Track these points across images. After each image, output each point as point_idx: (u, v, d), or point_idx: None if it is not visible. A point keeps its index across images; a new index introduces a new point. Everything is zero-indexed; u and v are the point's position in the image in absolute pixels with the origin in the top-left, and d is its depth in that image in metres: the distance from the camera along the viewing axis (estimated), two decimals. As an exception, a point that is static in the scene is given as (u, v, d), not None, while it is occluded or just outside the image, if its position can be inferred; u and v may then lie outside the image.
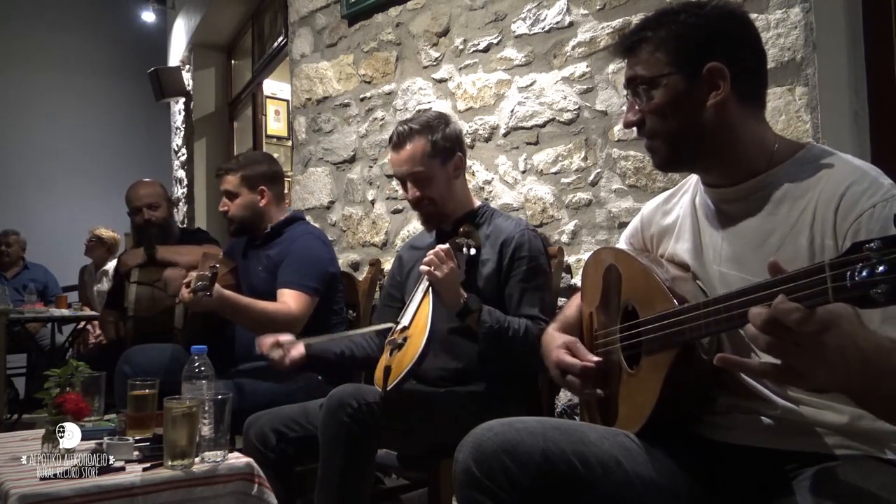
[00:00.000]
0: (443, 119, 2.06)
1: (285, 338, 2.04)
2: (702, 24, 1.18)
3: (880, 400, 0.90)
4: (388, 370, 1.79)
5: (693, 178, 1.35)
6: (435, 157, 1.99)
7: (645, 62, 1.19)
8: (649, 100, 1.19)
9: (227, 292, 2.25)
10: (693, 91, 1.16)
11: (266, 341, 2.04)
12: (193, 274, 2.20)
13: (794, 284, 0.83)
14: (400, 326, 1.91)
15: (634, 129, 1.25)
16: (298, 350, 2.01)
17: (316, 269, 2.42)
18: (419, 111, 2.18)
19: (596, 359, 1.31)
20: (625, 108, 1.25)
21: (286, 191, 2.84)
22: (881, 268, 0.73)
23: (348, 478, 1.72)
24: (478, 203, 2.14)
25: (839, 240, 1.06)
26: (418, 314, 1.86)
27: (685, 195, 1.35)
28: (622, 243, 1.49)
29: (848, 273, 0.76)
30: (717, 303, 0.99)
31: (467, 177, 2.69)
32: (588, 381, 1.31)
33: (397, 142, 2.02)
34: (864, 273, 0.74)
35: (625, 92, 1.26)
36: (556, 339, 1.40)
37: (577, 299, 1.54)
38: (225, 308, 2.25)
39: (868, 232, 1.02)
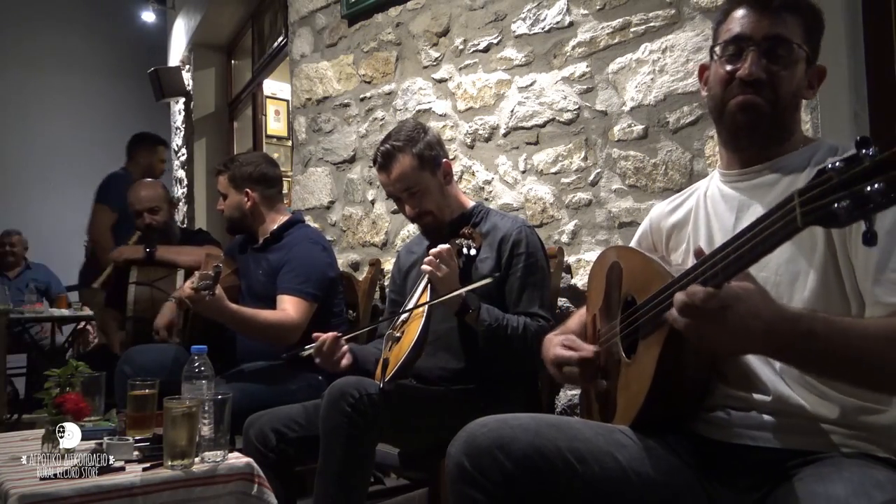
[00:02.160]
0: (420, 128, 2.06)
1: (335, 334, 1.94)
2: (822, 23, 1.27)
3: (795, 358, 1.04)
4: (385, 363, 1.80)
5: (702, 182, 1.38)
6: (423, 169, 2.01)
7: (792, 29, 1.21)
8: (781, 62, 1.21)
9: (232, 305, 2.25)
10: (804, 77, 1.24)
11: (327, 343, 1.90)
12: (197, 273, 2.21)
13: (769, 220, 0.87)
14: (400, 321, 1.92)
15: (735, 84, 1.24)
16: (348, 359, 1.94)
17: (315, 275, 2.42)
18: (400, 122, 2.17)
19: (593, 348, 1.32)
20: (747, 61, 1.21)
21: (284, 192, 2.83)
22: (842, 186, 0.76)
23: (348, 467, 1.72)
24: (472, 203, 2.14)
25: None
26: (415, 310, 1.87)
27: (695, 194, 1.38)
28: (632, 245, 1.50)
29: (813, 195, 0.79)
30: (704, 262, 1.00)
31: (467, 177, 2.70)
32: (587, 371, 1.32)
33: (383, 163, 2.03)
34: (828, 192, 0.77)
35: (745, 44, 1.23)
36: (554, 340, 1.41)
37: (582, 310, 1.56)
38: (226, 318, 2.26)
39: None
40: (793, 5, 1.22)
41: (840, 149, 1.19)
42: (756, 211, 1.21)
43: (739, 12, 1.25)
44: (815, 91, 1.28)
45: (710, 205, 1.31)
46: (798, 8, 1.23)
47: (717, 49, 1.27)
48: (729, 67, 1.23)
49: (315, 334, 1.94)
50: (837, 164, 0.77)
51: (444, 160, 2.06)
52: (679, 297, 0.99)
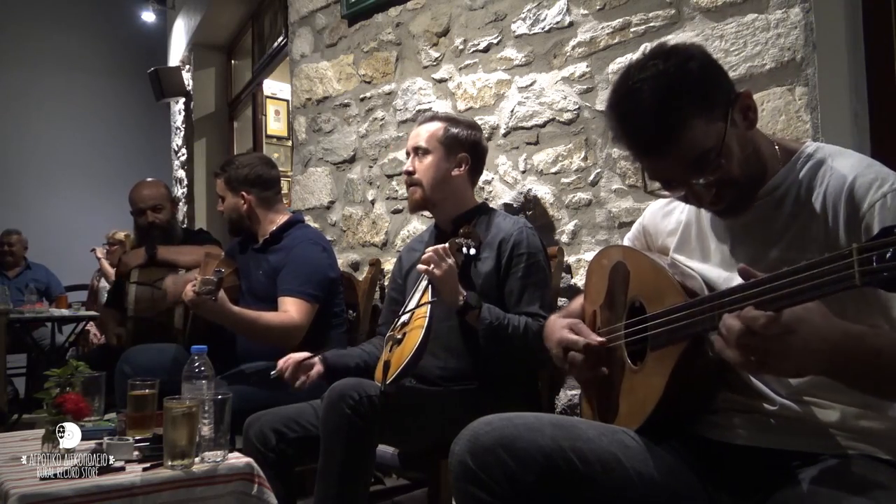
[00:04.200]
0: (469, 124, 2.14)
1: (301, 356, 2.04)
2: (709, 71, 1.13)
3: (857, 377, 0.97)
4: (387, 365, 1.80)
5: None
6: (442, 143, 2.07)
7: (695, 135, 1.08)
8: (712, 168, 1.10)
9: (234, 308, 2.26)
10: (739, 128, 1.13)
11: (289, 370, 2.03)
12: (198, 276, 2.21)
13: (818, 270, 0.84)
14: (399, 322, 1.92)
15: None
16: (317, 370, 2.03)
17: (316, 276, 2.43)
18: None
19: (600, 338, 1.31)
20: (688, 198, 1.15)
21: (282, 192, 2.83)
22: None
23: (348, 470, 1.73)
24: (478, 203, 2.15)
25: (852, 231, 1.06)
26: (417, 310, 1.87)
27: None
28: (626, 245, 1.49)
29: (875, 256, 0.77)
30: (732, 293, 0.98)
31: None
32: (591, 358, 1.30)
33: (421, 120, 2.17)
34: (893, 256, 0.75)
35: (669, 184, 1.16)
36: (559, 322, 1.40)
37: (581, 298, 1.55)
38: (228, 321, 2.27)
39: (881, 221, 1.03)
40: (674, 119, 1.08)
41: (828, 157, 1.15)
42: (750, 246, 1.19)
43: (635, 157, 1.17)
44: (754, 111, 1.15)
45: (706, 221, 1.28)
46: (680, 112, 1.08)
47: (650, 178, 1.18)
48: (678, 194, 1.17)
49: (279, 361, 2.04)
50: None
51: (466, 155, 2.08)
52: (733, 323, 0.92)
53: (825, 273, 0.83)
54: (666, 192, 1.20)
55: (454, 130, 2.08)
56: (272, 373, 2.03)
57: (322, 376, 2.03)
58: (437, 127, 2.09)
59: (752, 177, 1.15)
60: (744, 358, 0.92)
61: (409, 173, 2.09)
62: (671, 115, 1.08)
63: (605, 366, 1.32)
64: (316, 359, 2.04)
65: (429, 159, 2.07)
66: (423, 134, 2.09)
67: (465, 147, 2.09)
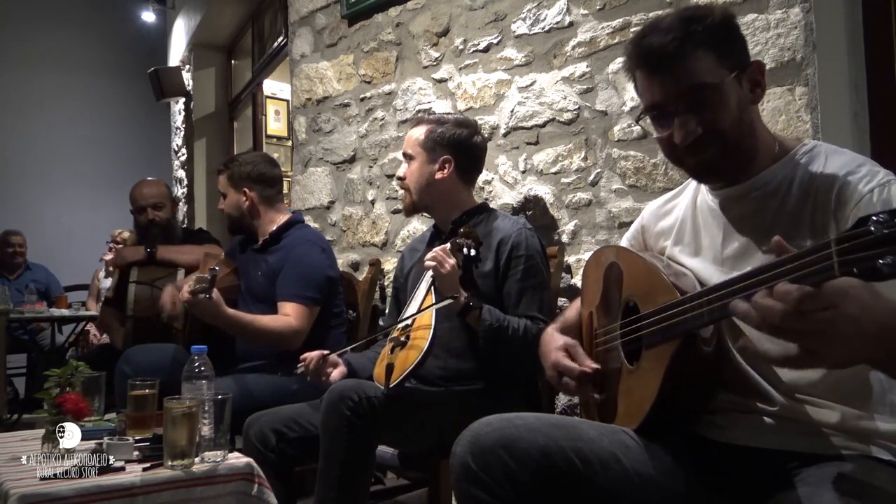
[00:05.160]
0: (457, 122, 2.12)
1: (318, 354, 1.98)
2: (732, 25, 1.19)
3: None
4: (390, 368, 1.79)
5: (693, 181, 1.35)
6: (424, 147, 2.08)
7: (700, 65, 1.13)
8: (709, 106, 1.13)
9: (229, 310, 2.26)
10: (740, 93, 1.16)
11: (313, 363, 1.96)
12: (195, 276, 2.21)
13: (799, 262, 0.83)
14: (402, 325, 1.92)
15: (670, 147, 1.20)
16: (340, 371, 1.99)
17: (315, 278, 2.42)
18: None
19: (594, 365, 1.31)
20: (676, 129, 1.15)
21: (283, 192, 2.83)
22: (886, 241, 0.73)
23: (349, 471, 1.73)
24: (477, 203, 2.15)
25: (841, 225, 1.07)
26: (421, 313, 1.86)
27: (685, 197, 1.36)
28: (624, 244, 1.49)
29: (853, 246, 0.76)
30: (719, 289, 0.98)
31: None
32: (584, 385, 1.31)
33: (413, 124, 2.19)
34: (870, 246, 0.75)
35: (664, 110, 1.17)
36: (555, 340, 1.39)
37: (577, 302, 1.55)
38: (223, 323, 2.27)
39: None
40: (688, 39, 1.13)
41: (823, 154, 1.16)
42: (742, 241, 1.19)
43: (640, 75, 1.20)
44: (762, 89, 1.19)
45: (700, 218, 1.29)
46: (694, 37, 1.13)
47: (643, 111, 1.21)
48: (664, 133, 1.19)
49: (302, 356, 1.98)
50: (882, 216, 0.74)
51: (448, 157, 2.06)
52: (770, 304, 0.81)
53: (806, 265, 0.82)
54: (662, 128, 1.20)
55: (437, 132, 2.07)
56: (298, 367, 1.98)
57: (344, 377, 1.98)
58: (420, 131, 2.10)
59: (740, 147, 1.16)
60: (786, 346, 0.82)
61: (401, 179, 2.13)
62: (684, 36, 1.14)
63: (602, 368, 1.32)
64: (339, 358, 2.00)
65: (414, 164, 2.09)
66: (409, 139, 2.12)
67: (448, 148, 2.07)
